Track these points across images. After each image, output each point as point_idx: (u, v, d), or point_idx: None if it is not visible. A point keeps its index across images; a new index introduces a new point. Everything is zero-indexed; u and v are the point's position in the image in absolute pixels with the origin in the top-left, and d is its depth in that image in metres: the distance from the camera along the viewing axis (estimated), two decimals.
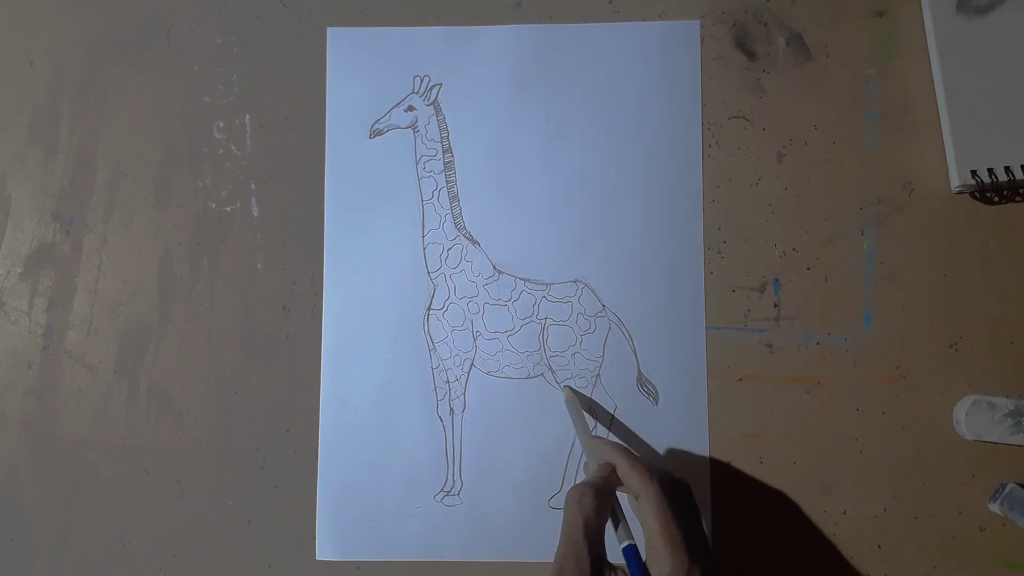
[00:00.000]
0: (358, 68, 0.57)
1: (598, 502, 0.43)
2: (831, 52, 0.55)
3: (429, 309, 0.55)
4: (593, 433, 0.52)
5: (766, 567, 0.52)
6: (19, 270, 0.58)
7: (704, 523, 0.51)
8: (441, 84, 0.56)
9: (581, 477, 0.53)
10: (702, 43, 0.56)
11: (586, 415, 0.54)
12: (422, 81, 0.56)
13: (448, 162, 0.56)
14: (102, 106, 0.58)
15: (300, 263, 0.56)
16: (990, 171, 0.52)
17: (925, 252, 0.54)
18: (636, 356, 0.54)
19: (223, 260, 0.56)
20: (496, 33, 0.57)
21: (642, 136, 0.55)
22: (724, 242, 0.55)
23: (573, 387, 0.54)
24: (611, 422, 0.54)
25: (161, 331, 0.56)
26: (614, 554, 0.43)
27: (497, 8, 0.57)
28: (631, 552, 0.42)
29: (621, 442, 0.52)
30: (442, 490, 0.54)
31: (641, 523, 0.43)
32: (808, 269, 0.54)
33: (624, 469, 0.45)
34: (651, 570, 0.41)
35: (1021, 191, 0.54)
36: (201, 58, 0.58)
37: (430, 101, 0.56)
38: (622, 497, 0.49)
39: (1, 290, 0.58)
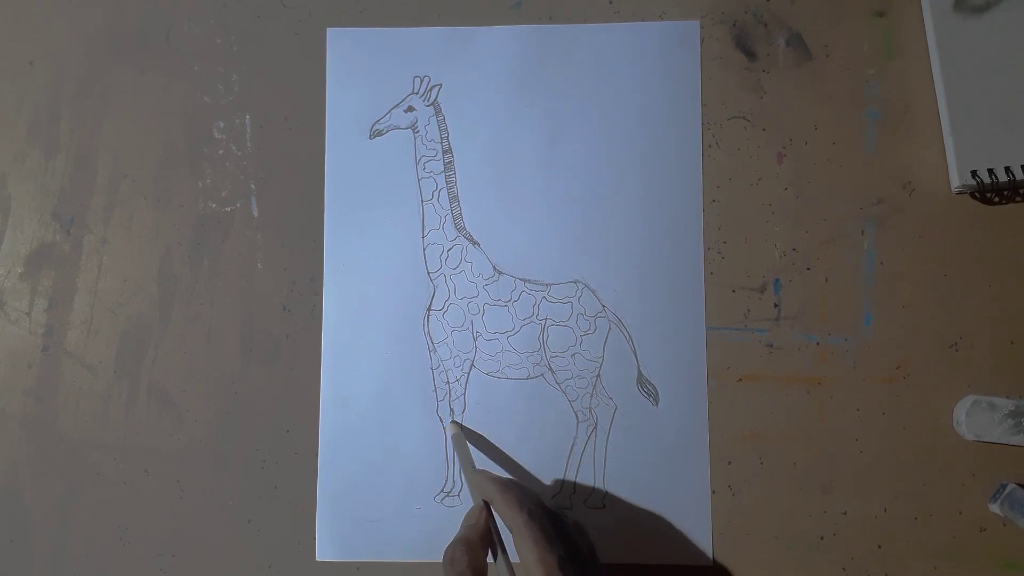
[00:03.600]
0: (358, 68, 0.57)
1: (470, 556, 0.43)
2: (831, 52, 0.55)
3: (429, 310, 0.55)
4: (478, 467, 0.51)
5: (766, 568, 0.52)
6: (19, 270, 0.58)
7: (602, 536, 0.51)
8: (441, 84, 0.56)
9: (582, 478, 0.53)
10: (702, 43, 0.56)
11: (471, 447, 0.52)
12: (422, 81, 0.56)
13: (448, 162, 0.56)
14: (102, 106, 0.58)
15: (300, 263, 0.56)
16: (990, 171, 0.52)
17: (925, 252, 0.54)
18: (636, 356, 0.54)
19: (223, 260, 0.56)
20: (496, 33, 0.57)
21: (642, 136, 0.55)
22: (724, 242, 0.55)
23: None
24: (611, 423, 0.54)
25: (161, 331, 0.56)
26: None
27: (497, 8, 0.57)
28: None
29: (501, 474, 0.51)
30: (442, 491, 0.54)
31: (518, 555, 0.43)
32: (808, 269, 0.54)
33: (498, 504, 0.45)
34: None
35: (1021, 191, 0.54)
36: (201, 58, 0.58)
37: (430, 102, 0.56)
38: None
39: (1, 290, 0.58)
